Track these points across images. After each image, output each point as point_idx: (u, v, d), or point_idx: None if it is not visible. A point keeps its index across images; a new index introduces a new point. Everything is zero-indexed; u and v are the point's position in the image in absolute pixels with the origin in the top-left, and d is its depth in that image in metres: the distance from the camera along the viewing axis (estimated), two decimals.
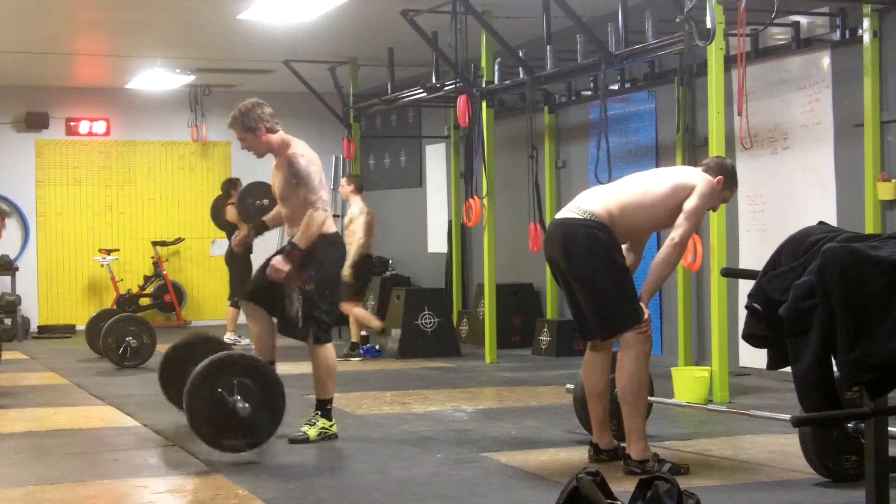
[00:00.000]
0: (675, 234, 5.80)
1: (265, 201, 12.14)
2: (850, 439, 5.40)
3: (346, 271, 11.17)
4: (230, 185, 13.10)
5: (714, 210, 6.47)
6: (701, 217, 5.92)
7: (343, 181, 12.15)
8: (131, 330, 11.07)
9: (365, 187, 14.80)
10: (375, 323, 11.68)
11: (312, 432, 6.90)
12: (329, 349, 7.01)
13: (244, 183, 12.90)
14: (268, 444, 6.41)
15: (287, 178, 6.65)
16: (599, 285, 5.75)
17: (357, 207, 11.76)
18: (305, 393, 9.03)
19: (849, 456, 5.46)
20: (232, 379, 6.26)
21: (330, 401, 7.03)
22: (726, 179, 6.07)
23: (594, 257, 5.74)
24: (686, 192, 5.86)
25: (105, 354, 11.16)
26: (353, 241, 11.50)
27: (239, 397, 6.24)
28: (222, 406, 6.21)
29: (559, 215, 5.99)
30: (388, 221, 16.36)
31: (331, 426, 6.97)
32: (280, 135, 6.70)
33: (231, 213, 12.75)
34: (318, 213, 6.56)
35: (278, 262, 6.61)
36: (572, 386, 6.69)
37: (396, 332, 11.79)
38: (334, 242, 6.88)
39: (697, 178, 5.92)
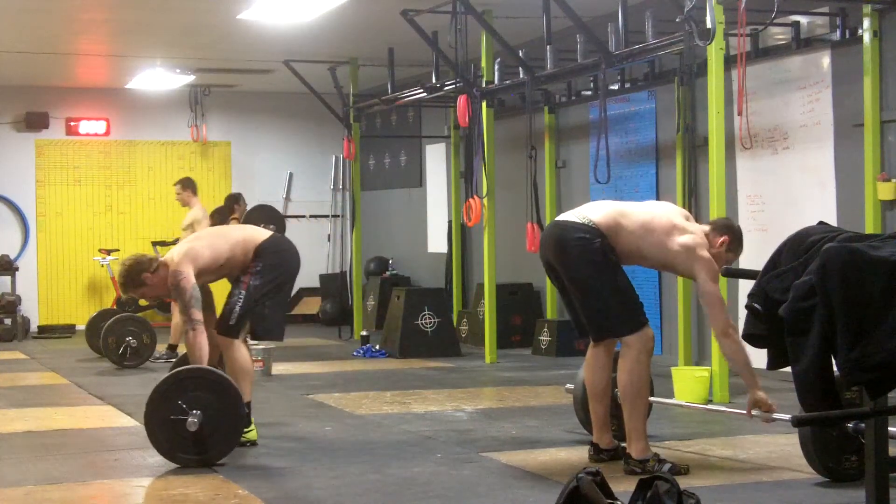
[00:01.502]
0: (717, 329, 5.79)
1: (271, 227, 12.19)
2: (850, 439, 5.41)
3: None
4: (233, 199, 13.09)
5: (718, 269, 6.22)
6: (721, 298, 5.82)
7: (177, 187, 11.95)
8: (131, 330, 11.08)
9: (365, 187, 14.83)
10: (175, 340, 11.36)
11: None
12: (244, 350, 6.75)
13: (243, 193, 12.97)
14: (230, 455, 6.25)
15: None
16: (595, 289, 5.76)
17: (198, 211, 11.63)
18: (306, 393, 9.05)
19: (849, 456, 5.47)
20: (191, 394, 6.12)
21: (245, 404, 6.61)
22: (731, 241, 5.97)
23: (589, 261, 5.74)
24: (681, 265, 5.84)
25: (105, 354, 11.16)
26: None
27: (196, 412, 6.09)
28: (179, 422, 6.07)
29: (558, 218, 6.00)
30: (388, 221, 16.40)
31: (246, 432, 6.63)
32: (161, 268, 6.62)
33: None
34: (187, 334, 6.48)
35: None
36: (572, 386, 6.69)
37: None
38: (277, 244, 6.84)
39: (699, 259, 5.79)
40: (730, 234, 5.96)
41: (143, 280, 6.54)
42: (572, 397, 6.69)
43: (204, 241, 6.78)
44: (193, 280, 6.48)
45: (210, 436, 6.11)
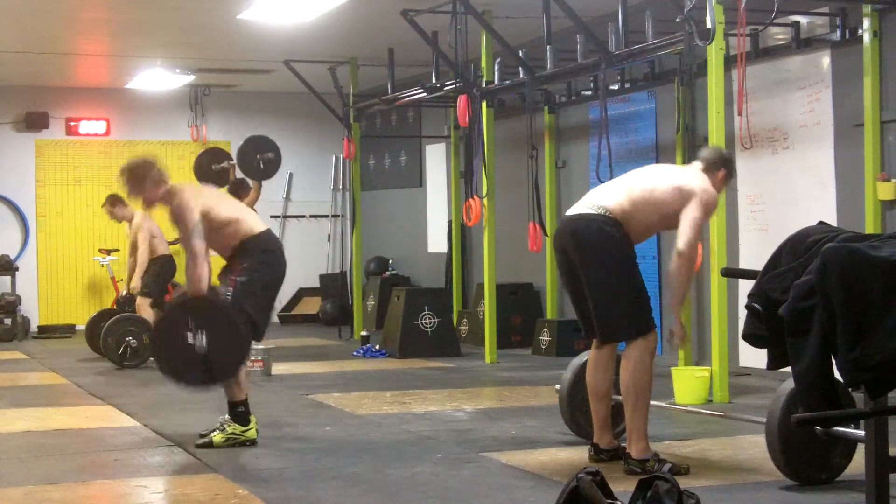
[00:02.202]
0: (679, 243, 5.76)
1: (268, 155, 12.24)
2: (819, 443, 5.38)
3: (136, 283, 11.36)
4: (238, 186, 13.04)
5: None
6: (700, 224, 5.84)
7: (105, 208, 11.96)
8: (131, 330, 11.07)
9: (365, 187, 14.82)
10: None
11: (219, 438, 6.63)
12: None
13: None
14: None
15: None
16: (609, 283, 5.76)
17: (138, 217, 11.62)
18: (306, 393, 9.05)
19: (818, 460, 5.43)
20: (196, 319, 6.40)
21: (241, 403, 6.69)
22: (727, 171, 6.06)
23: (606, 252, 5.76)
24: (687, 197, 5.82)
25: (105, 354, 11.16)
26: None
27: (202, 334, 6.37)
28: (186, 345, 6.35)
29: (571, 211, 5.99)
30: (389, 221, 16.40)
31: (244, 431, 6.66)
32: (165, 186, 6.70)
33: None
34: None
35: None
36: (559, 386, 6.67)
37: None
38: (267, 240, 6.86)
39: (697, 185, 5.85)
40: (725, 166, 6.04)
41: (143, 179, 6.59)
42: (558, 398, 6.67)
43: (213, 196, 6.85)
44: (197, 215, 6.50)
45: (215, 358, 6.37)
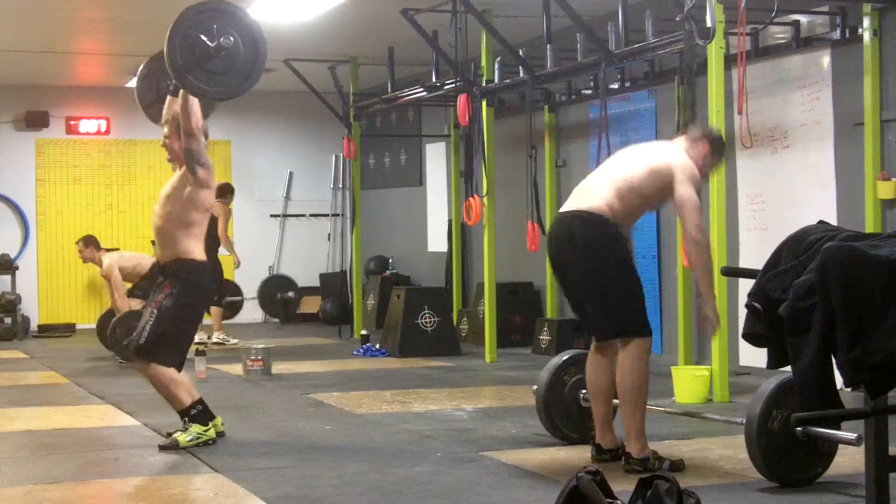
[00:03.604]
0: (688, 231, 5.70)
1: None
2: (799, 445, 5.37)
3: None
4: (226, 190, 13.09)
5: (706, 179, 6.17)
6: (697, 203, 5.71)
7: (84, 250, 11.93)
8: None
9: (365, 186, 14.81)
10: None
11: (184, 438, 6.61)
12: (157, 367, 6.65)
13: (243, 192, 12.99)
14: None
15: (176, 184, 6.77)
16: (605, 283, 5.74)
17: (108, 266, 11.63)
18: (306, 392, 9.05)
19: (797, 461, 5.41)
20: (213, 24, 6.30)
21: (191, 407, 6.66)
22: (712, 147, 5.90)
23: (600, 253, 5.74)
24: (665, 175, 5.74)
25: (111, 347, 11.15)
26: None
27: (221, 40, 6.27)
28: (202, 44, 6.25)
29: (562, 210, 5.98)
30: (389, 220, 16.40)
31: (206, 430, 6.65)
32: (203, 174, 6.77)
33: (221, 210, 12.69)
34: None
35: None
36: (536, 387, 6.64)
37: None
38: (202, 271, 6.78)
39: (672, 162, 5.76)
40: (709, 140, 5.88)
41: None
42: (535, 398, 6.65)
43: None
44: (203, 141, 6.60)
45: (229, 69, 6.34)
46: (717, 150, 5.95)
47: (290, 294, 12.99)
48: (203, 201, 6.73)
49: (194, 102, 6.52)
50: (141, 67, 7.24)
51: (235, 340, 12.76)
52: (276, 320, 16.12)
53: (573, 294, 5.99)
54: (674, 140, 6.07)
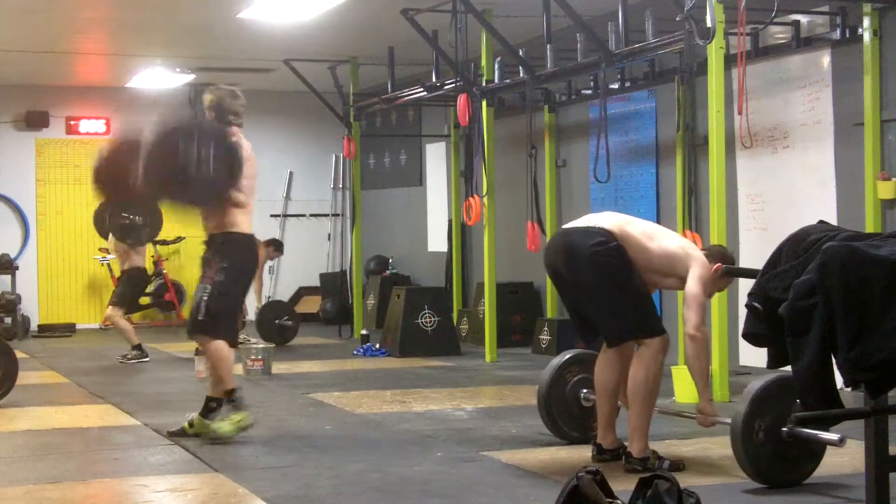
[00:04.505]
0: (688, 327, 5.74)
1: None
2: (785, 445, 5.36)
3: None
4: (276, 246, 13.61)
5: (710, 296, 6.25)
6: (703, 302, 5.81)
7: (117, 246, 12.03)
8: None
9: (365, 186, 14.84)
10: (134, 340, 11.49)
11: (225, 428, 6.78)
12: (219, 343, 6.86)
13: None
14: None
15: None
16: (610, 290, 5.75)
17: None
18: (306, 392, 9.05)
19: (784, 462, 5.41)
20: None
21: (233, 391, 6.86)
22: (725, 270, 5.98)
23: (605, 263, 5.73)
24: (681, 263, 5.82)
25: None
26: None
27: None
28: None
29: (565, 226, 6.00)
30: (389, 220, 16.40)
31: (244, 417, 6.83)
32: (236, 130, 7.15)
33: (262, 255, 13.12)
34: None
35: None
36: (538, 387, 6.65)
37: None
38: (248, 244, 6.95)
39: (696, 259, 5.84)
40: (724, 262, 5.98)
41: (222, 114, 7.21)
42: (536, 398, 6.65)
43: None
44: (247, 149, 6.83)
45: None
46: (727, 275, 6.05)
47: (289, 322, 13.03)
48: (244, 187, 6.88)
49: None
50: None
51: (255, 340, 12.78)
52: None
53: (580, 304, 5.98)
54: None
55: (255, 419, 6.90)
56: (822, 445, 5.39)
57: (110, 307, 11.56)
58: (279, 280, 16.72)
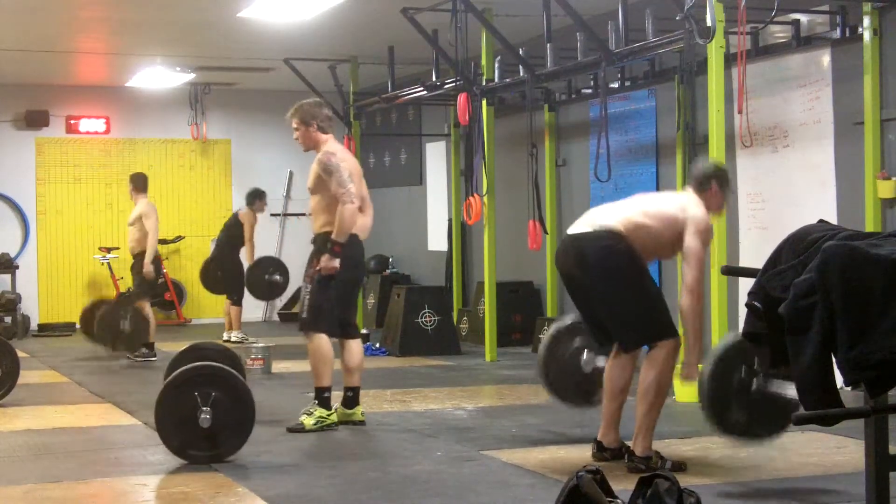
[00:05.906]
0: (686, 279, 5.77)
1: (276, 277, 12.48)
2: (747, 394, 5.55)
3: (148, 268, 11.46)
4: (256, 196, 13.43)
5: (720, 212, 6.29)
6: (702, 258, 5.84)
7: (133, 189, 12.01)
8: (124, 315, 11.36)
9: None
10: (151, 337, 11.49)
11: (309, 421, 7.09)
12: (320, 338, 7.20)
13: (243, 192, 13.14)
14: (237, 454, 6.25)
15: (317, 172, 7.17)
16: (623, 295, 5.79)
17: (144, 206, 11.69)
18: (306, 391, 9.05)
19: (741, 411, 5.59)
20: (203, 389, 6.12)
21: (325, 389, 7.19)
22: (719, 183, 6.01)
23: (616, 268, 5.77)
24: (678, 225, 5.83)
25: (97, 340, 11.46)
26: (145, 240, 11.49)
27: (207, 409, 6.09)
28: (190, 417, 6.09)
29: (572, 230, 6.00)
30: (389, 219, 16.39)
31: (329, 415, 7.16)
32: (327, 136, 7.43)
33: (249, 218, 13.19)
34: (346, 206, 6.97)
35: (326, 261, 7.01)
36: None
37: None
38: (351, 243, 7.11)
39: (688, 214, 5.85)
40: (716, 178, 6.00)
41: (310, 122, 7.59)
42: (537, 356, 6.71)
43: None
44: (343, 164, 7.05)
45: (221, 432, 6.14)
46: (725, 183, 6.07)
47: (277, 277, 13.05)
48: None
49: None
50: None
51: (254, 339, 12.78)
52: (276, 318, 16.18)
53: (594, 310, 5.99)
54: (685, 189, 6.12)
55: (256, 419, 6.88)
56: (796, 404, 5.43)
57: (137, 301, 11.56)
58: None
